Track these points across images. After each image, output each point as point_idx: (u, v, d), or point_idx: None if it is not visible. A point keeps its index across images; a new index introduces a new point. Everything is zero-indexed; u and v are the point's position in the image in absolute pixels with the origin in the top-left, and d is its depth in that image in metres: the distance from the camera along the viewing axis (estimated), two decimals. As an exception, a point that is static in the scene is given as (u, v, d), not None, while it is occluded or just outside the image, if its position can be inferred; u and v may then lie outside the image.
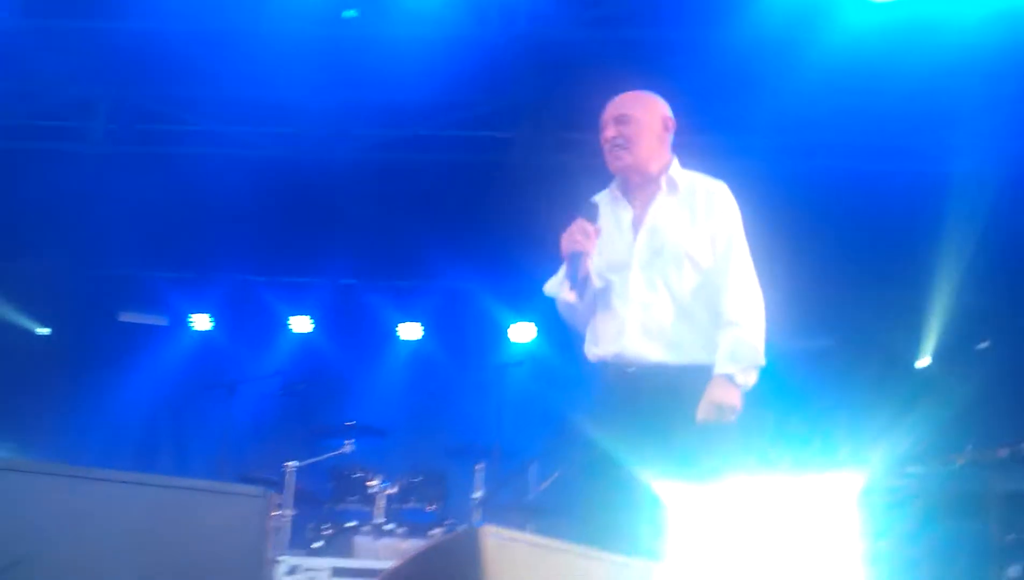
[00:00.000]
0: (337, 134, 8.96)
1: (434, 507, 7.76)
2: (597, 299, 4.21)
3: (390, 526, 7.37)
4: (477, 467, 7.52)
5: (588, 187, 8.55)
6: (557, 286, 4.22)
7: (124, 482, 2.79)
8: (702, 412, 3.96)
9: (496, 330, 10.02)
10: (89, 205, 9.18)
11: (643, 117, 4.21)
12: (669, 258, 4.11)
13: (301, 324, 10.49)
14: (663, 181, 4.21)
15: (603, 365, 4.16)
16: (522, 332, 9.93)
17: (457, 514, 7.69)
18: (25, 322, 10.58)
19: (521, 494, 7.49)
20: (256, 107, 8.84)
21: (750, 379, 4.01)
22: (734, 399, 3.97)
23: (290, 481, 7.19)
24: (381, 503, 7.66)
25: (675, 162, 4.28)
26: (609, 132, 4.21)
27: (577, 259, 4.04)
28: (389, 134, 8.97)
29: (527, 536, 3.05)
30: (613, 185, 4.34)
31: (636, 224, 4.21)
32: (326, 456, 7.83)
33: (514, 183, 8.66)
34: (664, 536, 6.67)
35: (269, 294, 10.53)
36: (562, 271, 4.17)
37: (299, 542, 7.38)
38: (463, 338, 10.19)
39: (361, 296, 10.38)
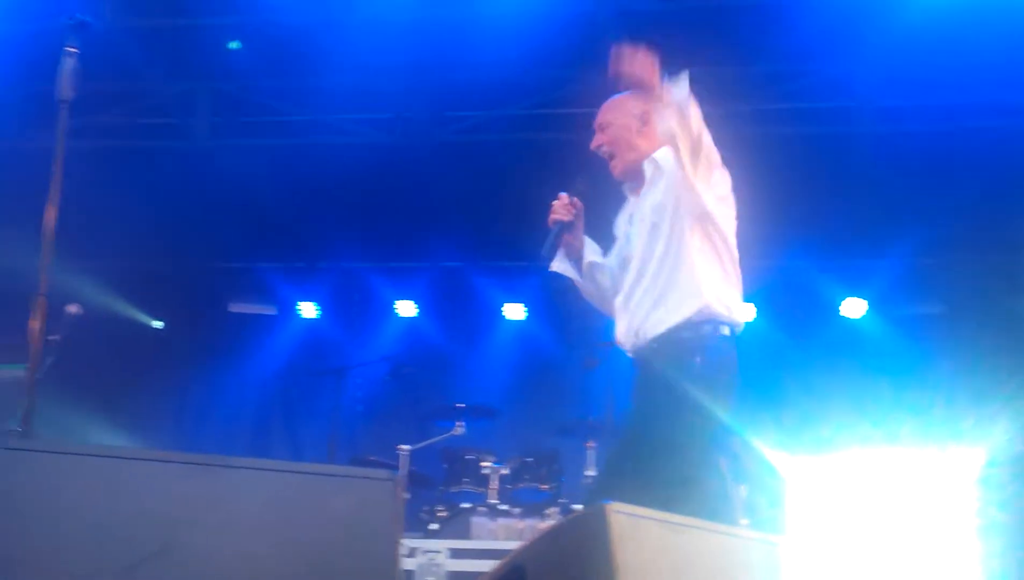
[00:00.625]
0: (435, 117, 8.96)
1: (548, 487, 7.75)
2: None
3: (505, 507, 7.38)
4: (589, 445, 7.51)
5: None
6: (559, 264, 4.48)
7: (256, 468, 2.84)
8: None
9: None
10: (196, 200, 9.32)
11: (617, 120, 4.39)
12: (639, 231, 4.30)
13: (406, 308, 10.57)
14: (645, 167, 4.32)
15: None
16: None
17: (571, 493, 7.68)
18: (140, 317, 10.83)
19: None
20: (354, 94, 8.87)
21: None
22: None
23: (403, 464, 7.25)
24: (494, 484, 7.68)
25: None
26: (596, 142, 4.42)
27: (556, 229, 4.30)
28: (486, 115, 8.94)
29: (655, 513, 3.03)
30: (624, 187, 4.52)
31: (632, 217, 4.41)
32: (438, 439, 7.88)
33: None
34: (783, 508, 6.62)
35: (374, 280, 10.63)
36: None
37: (414, 524, 7.44)
38: (568, 314, 10.18)
39: (465, 278, 10.42)
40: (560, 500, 7.48)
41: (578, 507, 7.16)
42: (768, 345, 9.30)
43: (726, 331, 4.19)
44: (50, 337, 4.12)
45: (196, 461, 2.78)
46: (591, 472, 7.42)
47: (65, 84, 4.16)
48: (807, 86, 8.44)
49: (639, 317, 4.22)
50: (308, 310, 10.80)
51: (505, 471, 7.77)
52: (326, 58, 8.29)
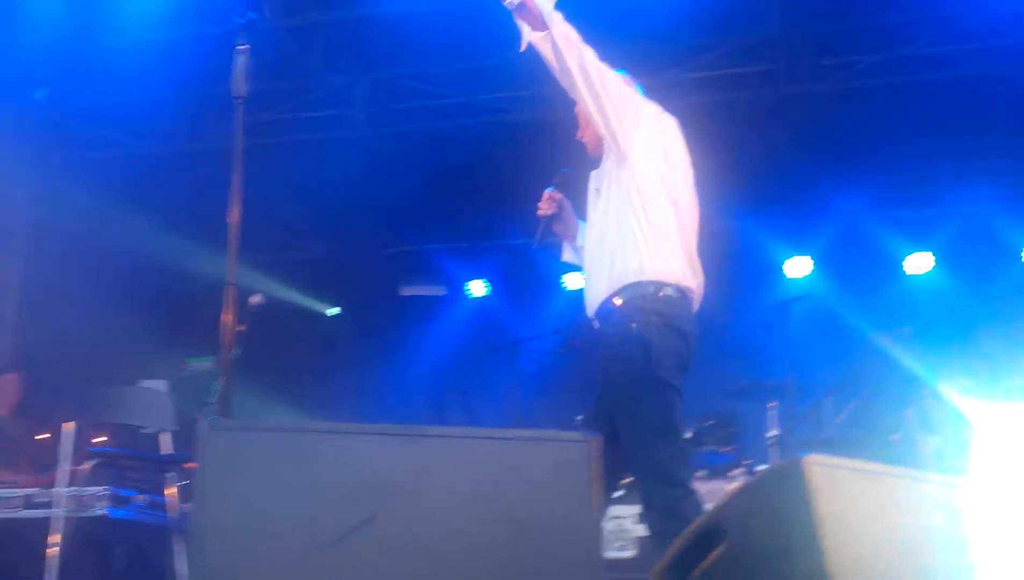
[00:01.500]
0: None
1: (729, 449, 7.70)
2: None
3: (688, 470, 7.37)
4: (769, 405, 7.45)
5: (850, 113, 8.30)
6: (567, 253, 4.92)
7: (455, 437, 2.90)
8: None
9: (771, 266, 9.86)
10: (360, 188, 9.51)
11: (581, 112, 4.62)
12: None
13: (574, 281, 10.59)
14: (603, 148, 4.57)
15: None
16: (799, 267, 9.74)
17: (753, 454, 7.63)
18: (316, 305, 11.12)
19: (817, 429, 7.34)
20: (501, 73, 8.93)
21: None
22: None
23: (582, 433, 7.28)
24: (675, 448, 7.67)
25: None
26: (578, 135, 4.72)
27: (543, 222, 4.62)
28: (644, 82, 8.88)
29: (851, 462, 3.01)
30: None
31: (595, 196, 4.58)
32: (615, 407, 7.90)
33: (775, 116, 8.50)
34: (970, 455, 6.45)
35: (539, 255, 10.66)
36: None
37: (598, 491, 7.47)
38: (737, 278, 10.07)
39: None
40: (744, 461, 7.43)
41: (762, 467, 7.13)
42: (955, 294, 9.10)
43: (670, 292, 4.25)
44: (237, 328, 4.25)
45: (394, 432, 2.84)
46: (773, 432, 7.36)
47: (239, 81, 4.29)
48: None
49: (591, 288, 4.45)
50: (477, 289, 10.91)
51: (686, 435, 7.75)
52: (472, 39, 8.36)
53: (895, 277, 9.45)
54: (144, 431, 7.32)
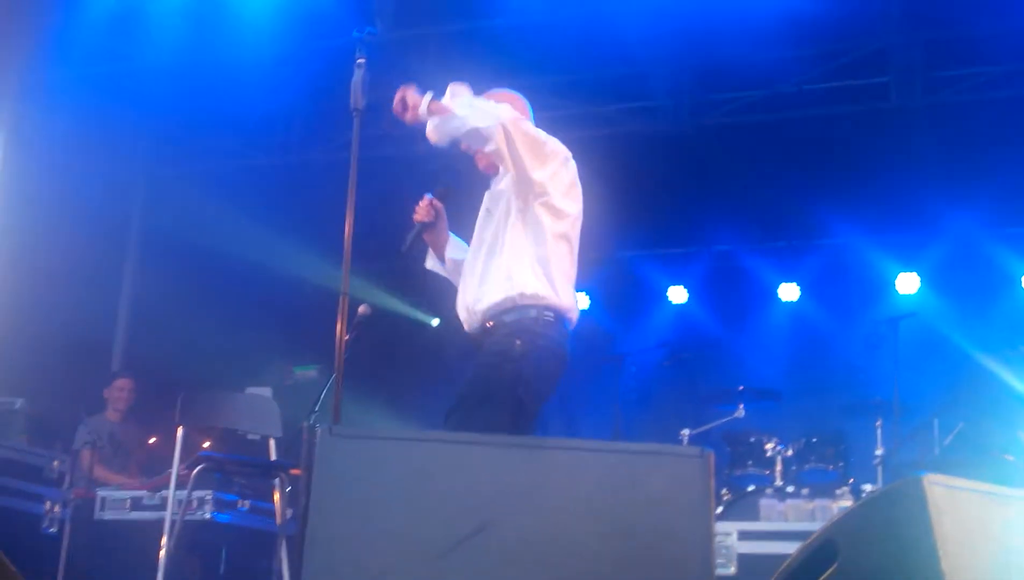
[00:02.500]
0: (700, 100, 8.92)
1: (835, 467, 7.60)
2: None
3: (792, 488, 7.29)
4: (876, 424, 7.33)
5: (964, 126, 8.14)
6: (430, 261, 4.82)
7: (569, 449, 2.91)
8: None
9: (878, 283, 9.70)
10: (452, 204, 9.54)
11: None
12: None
13: (678, 294, 10.54)
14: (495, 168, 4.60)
15: None
16: (908, 283, 9.56)
17: (859, 473, 7.51)
18: (419, 315, 11.20)
19: (925, 449, 7.20)
20: (618, 85, 8.93)
21: None
22: None
23: (684, 449, 7.24)
24: (779, 466, 7.60)
25: None
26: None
27: (416, 229, 4.63)
28: (754, 95, 8.82)
29: (973, 484, 2.96)
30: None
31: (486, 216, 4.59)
32: (718, 423, 7.85)
33: (888, 130, 8.38)
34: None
35: (644, 267, 10.65)
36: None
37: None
38: (844, 294, 9.95)
39: (736, 261, 10.31)
40: (850, 480, 7.32)
41: (868, 487, 7.02)
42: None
43: (549, 316, 4.33)
44: (345, 336, 4.29)
45: (512, 443, 2.86)
46: (880, 452, 7.25)
47: (357, 94, 4.35)
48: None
49: (468, 294, 4.44)
50: (580, 302, 10.87)
51: (789, 452, 7.67)
52: (589, 52, 8.37)
53: (1009, 295, 9.23)
54: (250, 437, 7.43)
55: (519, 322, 4.31)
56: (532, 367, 4.28)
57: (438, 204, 4.68)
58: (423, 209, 4.65)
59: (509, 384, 4.24)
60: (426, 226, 4.65)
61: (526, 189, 4.40)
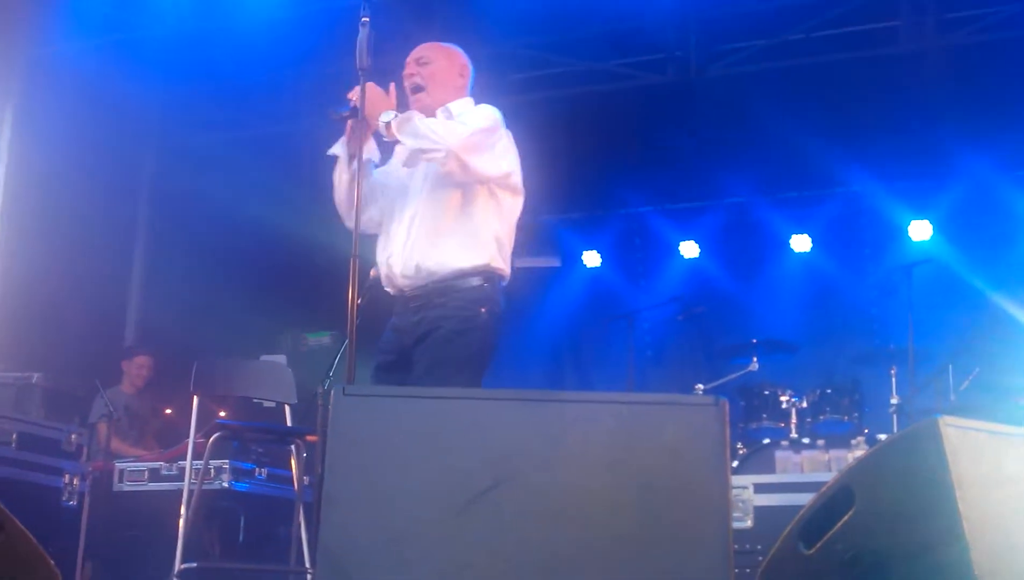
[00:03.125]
0: (706, 52, 8.84)
1: (850, 417, 7.60)
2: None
3: (807, 439, 7.29)
4: (891, 372, 7.32)
5: (976, 69, 8.03)
6: (338, 147, 4.68)
7: (584, 401, 2.90)
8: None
9: (891, 231, 9.64)
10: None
11: (439, 61, 4.65)
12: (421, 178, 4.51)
13: (689, 249, 10.49)
14: (439, 112, 4.51)
15: None
16: (921, 230, 9.50)
17: (875, 422, 7.52)
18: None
19: (941, 397, 7.19)
20: (621, 40, 8.86)
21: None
22: None
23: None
24: (794, 418, 7.61)
25: (465, 100, 4.64)
26: (409, 71, 4.62)
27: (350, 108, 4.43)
28: (761, 44, 8.73)
29: (988, 425, 2.95)
30: None
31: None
32: (732, 376, 7.86)
33: (898, 75, 8.29)
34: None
35: (655, 223, 10.62)
36: None
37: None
38: (857, 243, 9.90)
39: (747, 213, 10.25)
40: (865, 430, 7.32)
41: (883, 436, 7.01)
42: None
43: (503, 289, 4.47)
44: (357, 301, 4.28)
45: (527, 397, 2.86)
46: (895, 400, 7.24)
47: (362, 54, 4.33)
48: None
49: (418, 252, 4.38)
50: (591, 259, 10.86)
51: (804, 404, 7.68)
52: (591, 6, 8.29)
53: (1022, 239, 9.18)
54: (265, 405, 7.45)
55: (482, 290, 4.37)
56: (494, 336, 4.40)
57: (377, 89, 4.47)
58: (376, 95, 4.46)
59: (477, 352, 4.34)
60: (355, 112, 4.44)
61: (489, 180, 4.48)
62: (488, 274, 4.39)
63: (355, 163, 4.38)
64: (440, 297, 4.37)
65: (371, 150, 4.63)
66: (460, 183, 4.40)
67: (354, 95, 4.41)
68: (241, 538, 7.17)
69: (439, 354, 4.32)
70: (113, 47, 8.46)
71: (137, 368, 8.68)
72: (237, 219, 9.65)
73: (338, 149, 4.67)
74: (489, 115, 4.49)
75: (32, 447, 6.39)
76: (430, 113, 4.50)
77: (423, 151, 4.29)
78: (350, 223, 4.41)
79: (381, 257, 4.58)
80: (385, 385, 4.38)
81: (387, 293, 4.70)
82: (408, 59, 4.66)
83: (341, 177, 4.64)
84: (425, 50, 4.68)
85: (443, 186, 4.44)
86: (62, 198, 8.68)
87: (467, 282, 4.36)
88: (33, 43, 8.44)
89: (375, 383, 4.49)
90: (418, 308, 4.42)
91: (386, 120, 4.31)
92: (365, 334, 4.25)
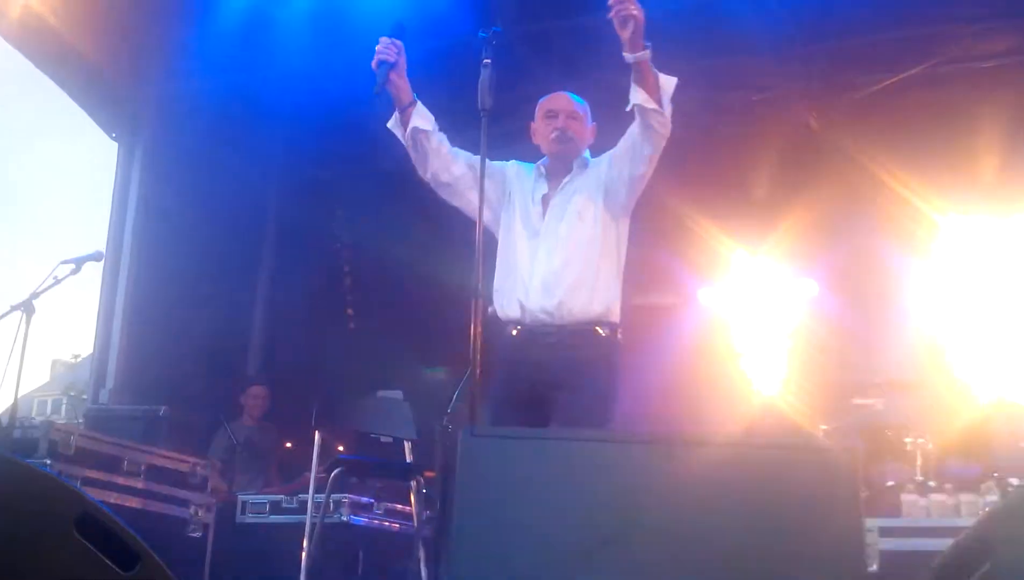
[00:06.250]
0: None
1: (979, 460, 7.39)
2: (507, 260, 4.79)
3: (934, 483, 7.10)
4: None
5: None
6: (393, 123, 4.87)
7: (716, 445, 2.87)
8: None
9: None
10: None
11: (585, 119, 4.90)
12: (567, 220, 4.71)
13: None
14: (575, 163, 4.83)
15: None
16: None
17: (1005, 465, 7.29)
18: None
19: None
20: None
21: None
22: None
23: (822, 444, 7.12)
24: (919, 460, 7.43)
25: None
26: (560, 122, 4.80)
27: (384, 71, 4.56)
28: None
29: None
30: (542, 164, 4.90)
31: (548, 198, 4.79)
32: (856, 417, 7.70)
33: None
34: None
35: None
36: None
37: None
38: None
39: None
40: (995, 474, 7.10)
41: (1015, 481, 6.80)
42: None
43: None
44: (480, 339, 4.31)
45: (654, 439, 2.84)
46: (1026, 443, 7.04)
47: (484, 94, 4.38)
48: None
49: (565, 292, 4.56)
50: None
51: (930, 446, 7.49)
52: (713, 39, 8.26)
53: None
54: (383, 440, 7.51)
55: (612, 339, 4.61)
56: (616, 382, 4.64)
57: (399, 42, 4.65)
58: (385, 48, 4.62)
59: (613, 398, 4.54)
60: (392, 66, 4.61)
61: (635, 189, 4.74)
62: (612, 322, 4.71)
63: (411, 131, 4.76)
64: (575, 337, 4.64)
65: (424, 118, 4.81)
66: (599, 217, 4.73)
67: (381, 52, 4.59)
68: (360, 572, 7.23)
69: (591, 403, 4.56)
70: (239, 85, 8.65)
71: (253, 399, 8.80)
72: (357, 253, 9.77)
73: (393, 124, 4.90)
74: None
75: (159, 478, 6.52)
76: (568, 161, 4.82)
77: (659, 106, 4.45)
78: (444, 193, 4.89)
79: None
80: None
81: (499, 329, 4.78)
82: (558, 107, 4.88)
83: (410, 149, 4.91)
84: (576, 106, 4.90)
85: (582, 218, 4.79)
86: (189, 232, 8.89)
87: (600, 326, 4.67)
88: (163, 80, 8.67)
89: None
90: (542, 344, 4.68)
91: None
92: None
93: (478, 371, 4.13)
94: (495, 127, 4.51)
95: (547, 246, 4.66)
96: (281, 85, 8.77)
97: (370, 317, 10.08)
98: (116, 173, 8.86)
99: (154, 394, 7.99)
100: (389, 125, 4.89)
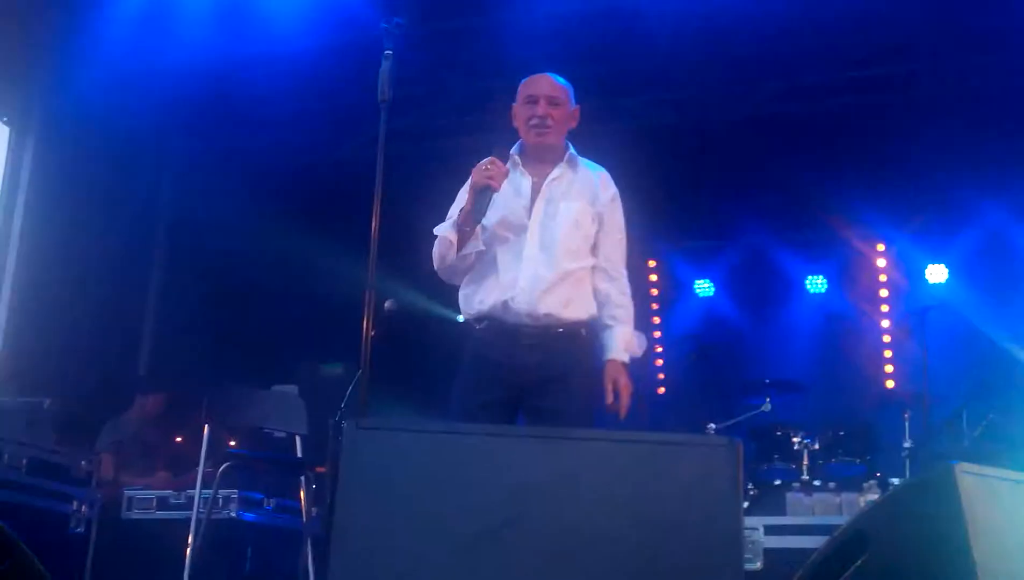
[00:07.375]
0: (721, 93, 8.84)
1: (862, 460, 7.56)
2: (484, 255, 4.54)
3: (819, 482, 7.25)
4: (904, 416, 7.29)
5: (1001, 111, 7.99)
6: (448, 226, 4.55)
7: (599, 440, 2.89)
8: (610, 398, 4.55)
9: (906, 275, 9.63)
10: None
11: (567, 103, 4.67)
12: (561, 223, 4.54)
13: (703, 287, 10.50)
14: (560, 155, 4.66)
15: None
16: (937, 274, 9.49)
17: (887, 466, 7.47)
18: (445, 311, 11.18)
19: (955, 442, 7.16)
20: (642, 77, 8.87)
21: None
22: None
23: (710, 443, 7.21)
24: (806, 460, 7.57)
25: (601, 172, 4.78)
26: (540, 109, 4.59)
27: (486, 194, 4.37)
28: (778, 86, 8.74)
29: (1004, 472, 2.93)
30: (515, 153, 4.66)
31: (535, 191, 4.59)
32: (745, 416, 7.81)
33: (915, 120, 8.29)
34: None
35: (670, 261, 10.61)
36: (458, 208, 4.55)
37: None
38: (871, 285, 9.88)
39: (763, 254, 10.24)
40: (877, 474, 7.27)
41: (896, 480, 6.96)
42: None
43: None
44: (371, 332, 4.28)
45: (540, 434, 2.85)
46: (908, 444, 7.20)
47: (384, 85, 4.34)
48: None
49: (549, 294, 4.45)
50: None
51: (816, 446, 7.64)
52: (613, 44, 8.29)
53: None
54: (276, 435, 7.43)
55: (593, 343, 4.62)
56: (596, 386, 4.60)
57: (501, 164, 4.44)
58: (500, 175, 4.41)
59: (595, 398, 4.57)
60: (496, 191, 4.41)
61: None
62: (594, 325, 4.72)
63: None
64: (557, 340, 4.58)
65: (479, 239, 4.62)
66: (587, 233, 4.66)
67: (494, 178, 4.40)
68: (247, 568, 7.15)
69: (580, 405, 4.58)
70: (135, 75, 8.50)
71: (153, 405, 8.62)
72: (252, 247, 9.66)
73: (446, 229, 4.58)
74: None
75: (42, 473, 6.36)
76: (549, 150, 4.66)
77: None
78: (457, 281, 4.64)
79: None
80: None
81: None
82: (538, 92, 4.65)
83: (450, 251, 4.54)
84: (557, 90, 4.66)
85: (577, 229, 4.64)
86: (79, 226, 8.69)
87: (583, 330, 4.64)
88: (56, 69, 8.49)
89: None
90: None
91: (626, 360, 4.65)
92: (379, 366, 4.25)
93: (368, 365, 4.09)
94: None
95: (536, 245, 4.52)
96: (179, 75, 8.63)
97: (266, 312, 9.97)
98: (6, 158, 8.64)
99: (40, 387, 7.80)
100: (439, 231, 4.61)
